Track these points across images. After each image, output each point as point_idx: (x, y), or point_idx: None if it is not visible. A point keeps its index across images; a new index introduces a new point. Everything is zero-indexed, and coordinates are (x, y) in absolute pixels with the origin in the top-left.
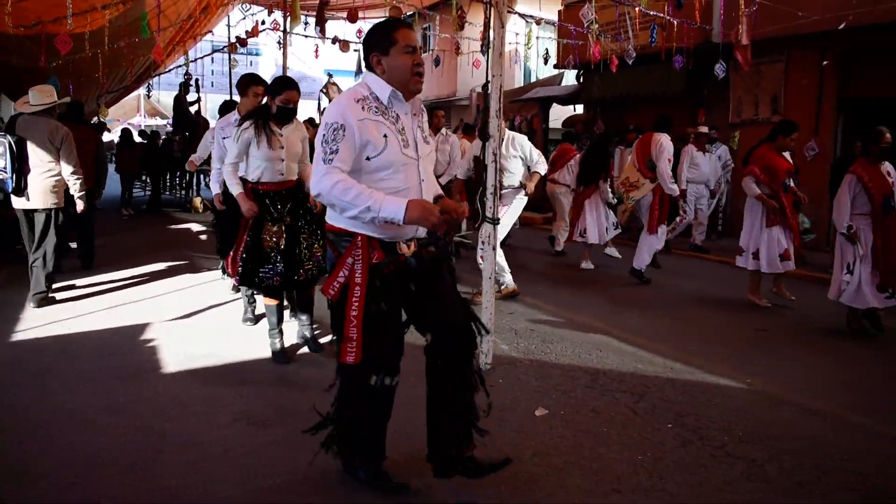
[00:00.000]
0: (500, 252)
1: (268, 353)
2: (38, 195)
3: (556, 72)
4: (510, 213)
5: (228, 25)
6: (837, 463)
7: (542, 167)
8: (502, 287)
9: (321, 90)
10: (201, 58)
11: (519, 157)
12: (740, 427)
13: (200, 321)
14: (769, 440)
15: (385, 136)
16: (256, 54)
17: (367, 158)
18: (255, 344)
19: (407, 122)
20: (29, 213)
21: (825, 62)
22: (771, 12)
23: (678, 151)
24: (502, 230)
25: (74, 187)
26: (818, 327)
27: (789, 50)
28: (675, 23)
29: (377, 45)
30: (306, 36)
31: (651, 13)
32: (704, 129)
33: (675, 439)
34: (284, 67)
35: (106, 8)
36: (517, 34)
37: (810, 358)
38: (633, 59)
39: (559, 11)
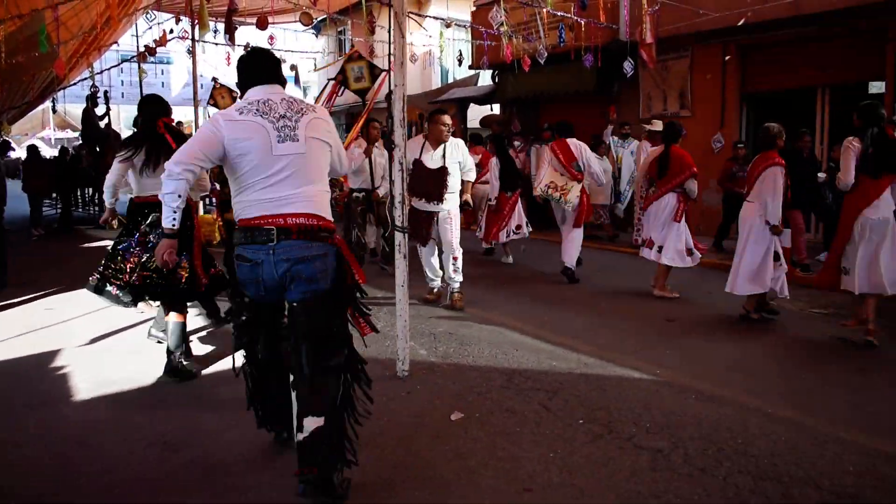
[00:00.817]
0: (434, 257)
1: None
2: None
3: (472, 72)
4: (457, 224)
5: (136, 35)
6: (734, 447)
7: (472, 175)
8: (434, 290)
9: (208, 101)
10: (108, 69)
11: (458, 162)
12: (648, 418)
13: (112, 344)
14: (674, 429)
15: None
16: (167, 63)
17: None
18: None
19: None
20: None
21: (727, 57)
22: (675, 10)
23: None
24: (453, 242)
25: None
26: (723, 315)
27: (693, 46)
28: (583, 23)
29: None
30: (216, 44)
31: (559, 14)
32: (658, 126)
33: (586, 434)
34: (195, 77)
35: (1, 23)
36: (430, 36)
37: (713, 346)
38: (544, 59)
39: (471, 13)
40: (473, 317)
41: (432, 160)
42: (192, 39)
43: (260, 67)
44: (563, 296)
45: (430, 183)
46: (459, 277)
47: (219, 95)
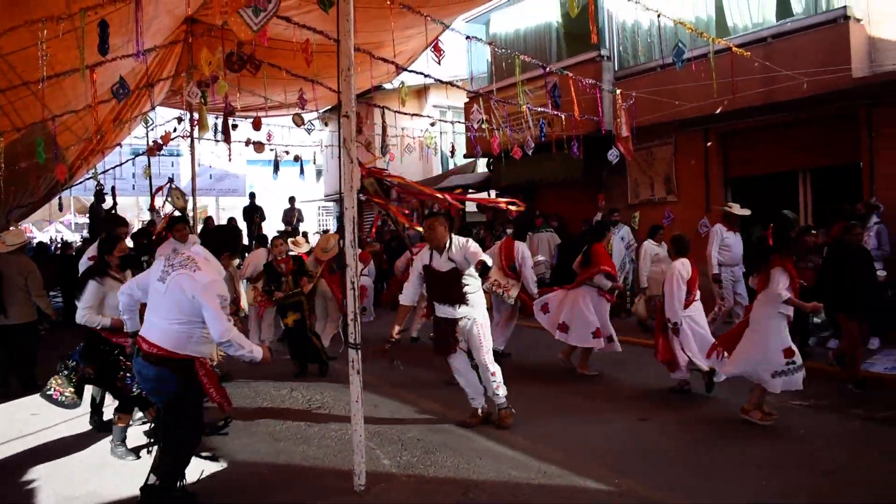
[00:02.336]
0: (471, 371)
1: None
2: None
3: (470, 159)
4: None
5: (147, 128)
6: None
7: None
8: (479, 411)
9: (165, 198)
10: (112, 168)
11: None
12: None
13: (84, 456)
14: None
15: None
16: (177, 155)
17: None
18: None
19: None
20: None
21: (708, 144)
22: (656, 99)
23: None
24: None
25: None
26: (710, 416)
27: (676, 134)
28: (563, 116)
29: None
30: (216, 141)
31: (539, 109)
32: (737, 209)
33: None
34: (193, 174)
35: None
36: (432, 124)
37: (684, 453)
38: (532, 150)
39: (465, 104)
40: (443, 420)
41: (441, 264)
42: (191, 139)
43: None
44: (546, 395)
45: (446, 285)
46: (503, 392)
47: (175, 196)
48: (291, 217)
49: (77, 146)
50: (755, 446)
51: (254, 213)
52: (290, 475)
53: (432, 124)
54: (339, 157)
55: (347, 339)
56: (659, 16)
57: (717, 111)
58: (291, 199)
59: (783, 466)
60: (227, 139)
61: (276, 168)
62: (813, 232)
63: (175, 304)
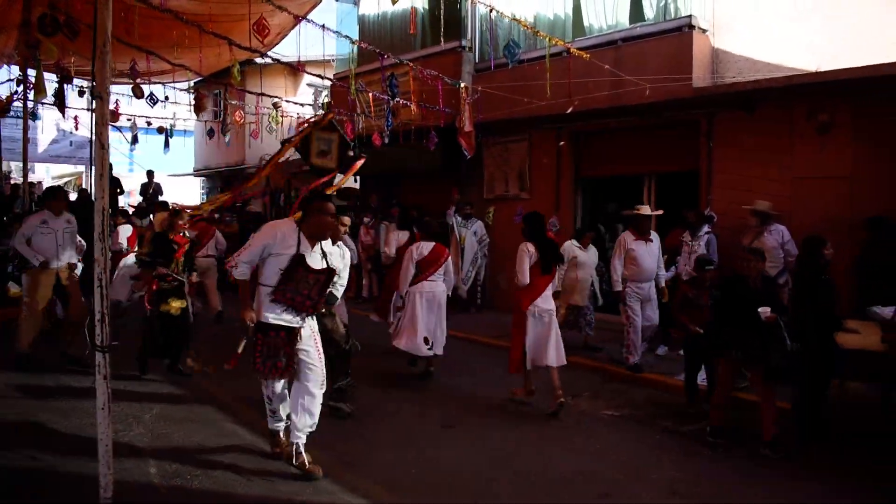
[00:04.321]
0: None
1: None
2: None
3: None
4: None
5: None
6: None
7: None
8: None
9: None
10: None
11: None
12: None
13: None
14: None
15: None
16: (36, 118)
17: None
18: None
19: None
20: None
21: (561, 143)
22: (511, 94)
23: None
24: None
25: None
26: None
27: (531, 130)
28: (411, 105)
29: None
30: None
31: (384, 97)
32: (646, 210)
33: None
34: (25, 142)
35: None
36: (302, 105)
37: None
38: (387, 139)
39: (330, 86)
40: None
41: (312, 259)
42: (24, 103)
43: None
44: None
45: (312, 289)
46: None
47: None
48: (148, 190)
49: None
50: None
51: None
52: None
53: (276, 106)
54: (210, 131)
55: (94, 342)
56: (514, 18)
57: (569, 111)
58: (150, 173)
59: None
60: (61, 106)
61: (135, 140)
62: (709, 267)
63: None
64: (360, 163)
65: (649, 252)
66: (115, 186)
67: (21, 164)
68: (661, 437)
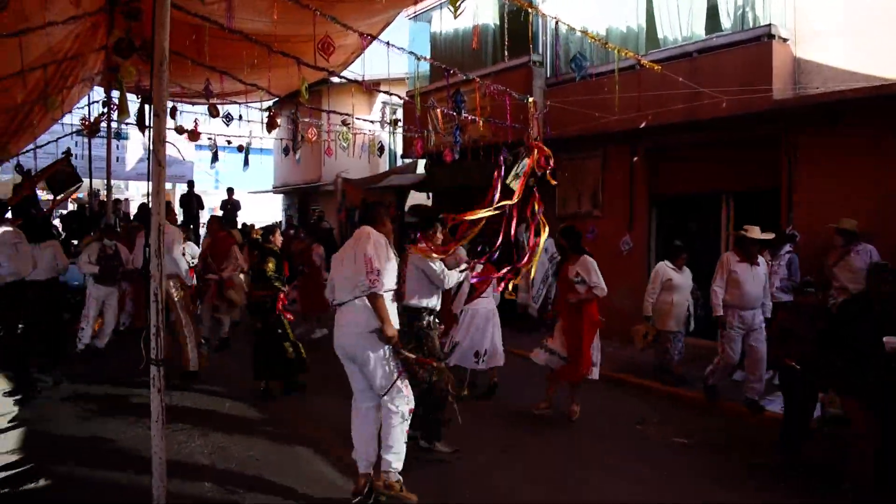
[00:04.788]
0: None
1: None
2: None
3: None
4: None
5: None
6: None
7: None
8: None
9: None
10: (37, 148)
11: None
12: None
13: None
14: None
15: None
16: (124, 138)
17: None
18: None
19: None
20: None
21: (634, 159)
22: (584, 109)
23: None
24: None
25: None
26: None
27: (605, 146)
28: (479, 122)
29: None
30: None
31: (463, 115)
32: (756, 233)
33: None
34: (108, 160)
35: None
36: (373, 122)
37: None
38: (458, 154)
39: (403, 103)
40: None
41: None
42: (108, 123)
43: None
44: None
45: None
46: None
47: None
48: (227, 206)
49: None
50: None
51: (191, 201)
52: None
53: (344, 123)
54: (286, 149)
55: (149, 355)
56: (583, 31)
57: (642, 125)
58: (230, 190)
59: None
60: (142, 126)
61: (215, 158)
62: (809, 290)
63: None
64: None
65: (755, 277)
66: (197, 203)
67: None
68: (733, 469)
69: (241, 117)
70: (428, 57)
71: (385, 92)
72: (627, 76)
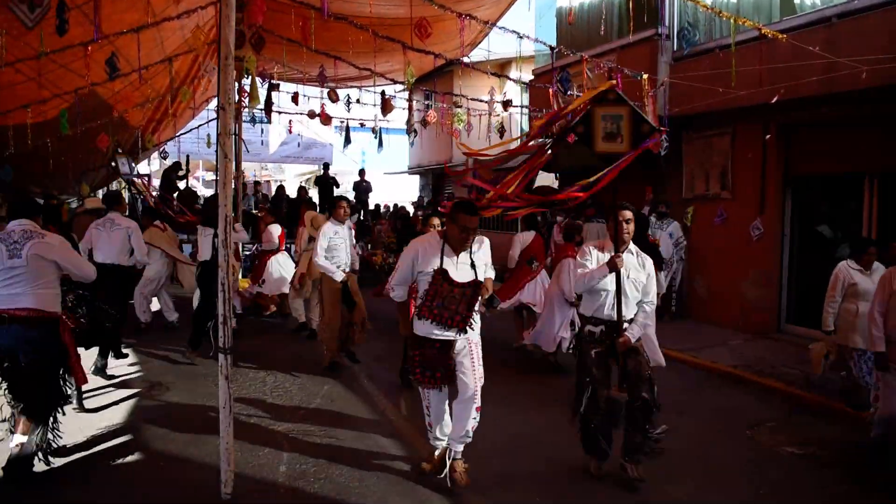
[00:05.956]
0: (446, 404)
1: None
2: None
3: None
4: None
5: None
6: None
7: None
8: (437, 454)
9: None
10: (187, 132)
11: (484, 265)
12: None
13: None
14: None
15: None
16: (256, 122)
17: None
18: None
19: None
20: None
21: (767, 136)
22: (712, 84)
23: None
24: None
25: None
26: None
27: (735, 123)
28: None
29: None
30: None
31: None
32: None
33: None
34: (238, 146)
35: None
36: (452, 110)
37: None
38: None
39: (528, 82)
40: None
41: (458, 270)
42: (238, 109)
43: (12, 210)
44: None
45: (460, 303)
46: (469, 439)
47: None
48: (360, 187)
49: (140, 110)
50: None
51: (327, 183)
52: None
53: (458, 106)
54: (407, 132)
55: (217, 343)
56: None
57: (773, 100)
58: (361, 172)
59: None
60: (268, 111)
61: (348, 140)
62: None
63: (42, 271)
64: (655, 139)
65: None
66: (333, 184)
67: (254, 167)
68: (845, 488)
69: (358, 101)
70: (554, 32)
71: (495, 74)
72: (759, 46)
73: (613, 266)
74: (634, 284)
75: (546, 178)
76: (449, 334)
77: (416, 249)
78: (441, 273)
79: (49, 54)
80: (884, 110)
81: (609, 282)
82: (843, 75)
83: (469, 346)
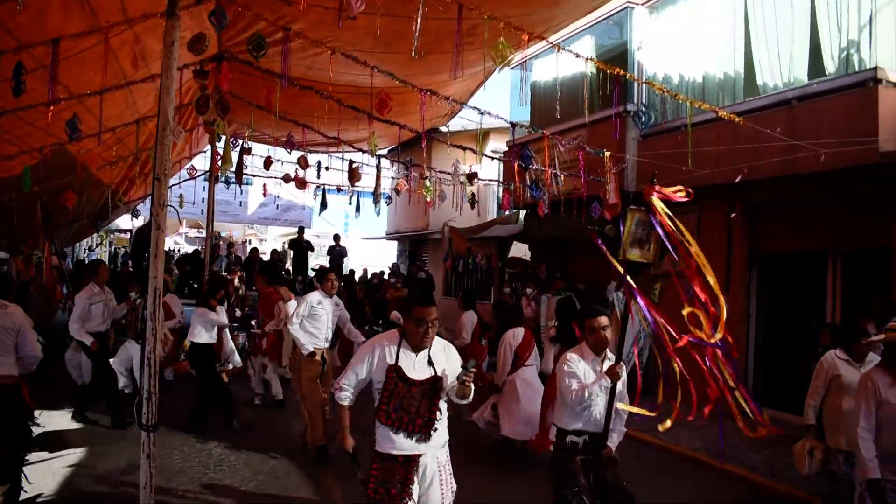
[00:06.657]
0: None
1: None
2: None
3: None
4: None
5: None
6: None
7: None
8: None
9: None
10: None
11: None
12: None
13: None
14: None
15: None
16: (247, 184)
17: None
18: None
19: None
20: None
21: (732, 214)
22: (678, 163)
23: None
24: None
25: None
26: None
27: (701, 201)
28: (561, 176)
29: None
30: (248, 174)
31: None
32: None
33: None
34: (210, 207)
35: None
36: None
37: None
38: (548, 207)
39: (503, 153)
40: None
41: (415, 368)
42: (209, 173)
43: None
44: None
45: (420, 404)
46: None
47: None
48: (334, 251)
49: (112, 168)
50: None
51: (301, 246)
52: None
53: (424, 177)
54: (375, 199)
55: (140, 420)
56: (659, 88)
57: (737, 179)
58: (336, 237)
59: None
60: (238, 178)
61: (324, 205)
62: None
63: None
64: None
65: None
66: (308, 247)
67: (238, 227)
68: None
69: (327, 168)
70: (528, 105)
71: (458, 146)
72: (721, 126)
73: (614, 376)
74: (621, 392)
75: (520, 249)
76: (412, 447)
77: (373, 348)
78: (395, 370)
79: (7, 113)
80: (844, 191)
81: (600, 393)
82: (802, 157)
83: (438, 469)
